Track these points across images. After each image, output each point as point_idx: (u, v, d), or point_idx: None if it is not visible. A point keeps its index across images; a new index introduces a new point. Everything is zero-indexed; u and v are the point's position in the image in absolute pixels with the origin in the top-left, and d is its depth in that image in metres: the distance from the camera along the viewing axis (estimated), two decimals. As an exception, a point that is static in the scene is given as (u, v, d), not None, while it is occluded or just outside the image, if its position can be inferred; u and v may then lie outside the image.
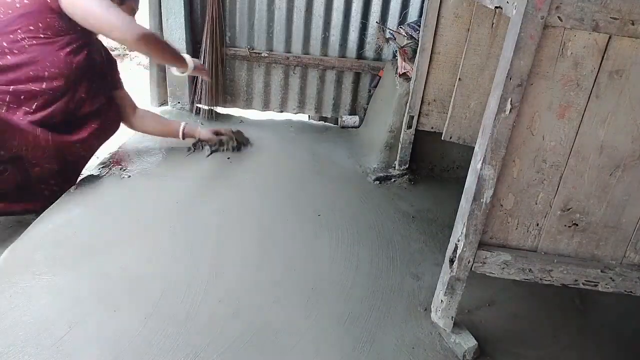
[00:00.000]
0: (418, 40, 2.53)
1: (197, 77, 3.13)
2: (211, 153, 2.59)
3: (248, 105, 3.40)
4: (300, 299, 1.68)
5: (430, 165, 2.80)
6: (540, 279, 1.44)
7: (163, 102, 3.34)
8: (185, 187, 2.28)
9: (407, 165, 2.70)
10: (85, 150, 2.17)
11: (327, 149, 2.95)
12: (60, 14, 1.90)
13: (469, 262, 1.43)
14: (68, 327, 1.44)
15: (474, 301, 1.75)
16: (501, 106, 1.22)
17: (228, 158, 2.60)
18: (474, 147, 1.36)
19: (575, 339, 1.67)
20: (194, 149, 2.62)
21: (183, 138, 2.59)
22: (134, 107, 2.50)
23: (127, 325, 1.47)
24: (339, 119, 3.42)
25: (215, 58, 3.12)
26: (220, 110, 3.31)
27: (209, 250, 1.87)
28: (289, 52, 3.23)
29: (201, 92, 3.16)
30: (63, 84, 1.96)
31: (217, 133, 2.67)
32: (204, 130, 2.65)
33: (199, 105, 3.26)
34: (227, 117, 3.29)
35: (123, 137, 2.71)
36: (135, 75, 4.52)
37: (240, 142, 2.70)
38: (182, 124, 2.60)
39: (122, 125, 2.48)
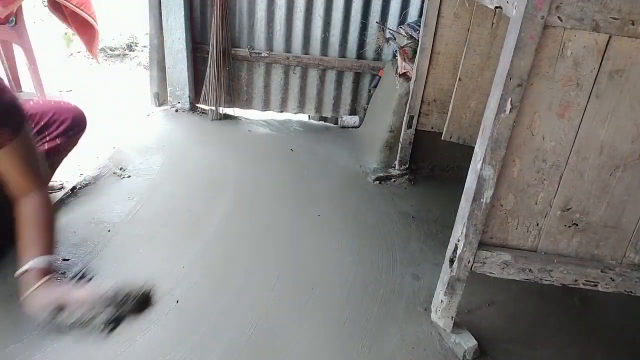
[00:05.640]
0: (418, 40, 2.53)
1: (204, 77, 3.13)
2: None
3: (248, 105, 3.40)
4: (300, 299, 1.68)
5: (430, 165, 2.80)
6: (540, 279, 1.44)
7: (163, 102, 3.34)
8: (184, 188, 2.28)
9: (407, 165, 2.70)
10: None
11: (327, 149, 2.95)
12: None
13: (469, 262, 1.43)
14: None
15: (474, 301, 1.75)
16: (501, 106, 1.22)
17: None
18: (474, 147, 1.36)
19: (575, 339, 1.67)
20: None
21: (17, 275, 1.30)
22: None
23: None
24: (339, 119, 3.42)
25: (223, 59, 3.12)
26: (228, 110, 3.30)
27: (207, 251, 1.87)
28: (289, 52, 3.23)
29: (207, 93, 3.16)
30: None
31: (60, 300, 1.23)
32: (40, 291, 1.25)
33: (200, 106, 3.26)
34: (234, 118, 3.29)
35: (123, 137, 2.72)
36: (135, 75, 4.52)
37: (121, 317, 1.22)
38: (32, 263, 1.28)
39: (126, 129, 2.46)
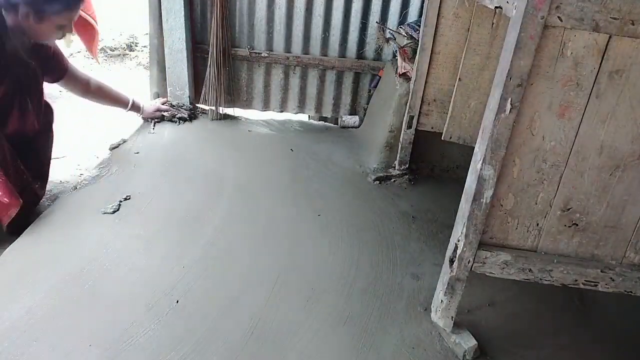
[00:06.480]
0: (418, 40, 2.53)
1: (204, 77, 3.14)
2: (154, 124, 2.87)
3: (248, 105, 3.40)
4: (300, 299, 1.68)
5: (430, 165, 2.80)
6: (540, 279, 1.44)
7: (163, 102, 3.33)
8: (184, 188, 2.28)
9: (407, 165, 2.70)
10: None
11: (327, 149, 2.95)
12: None
13: (469, 262, 1.43)
14: (63, 326, 1.44)
15: (474, 301, 1.75)
16: (501, 106, 1.23)
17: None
18: (474, 147, 1.36)
19: (575, 339, 1.67)
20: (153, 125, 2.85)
21: (128, 110, 2.75)
22: (87, 82, 2.46)
23: (125, 323, 1.47)
24: (339, 119, 3.41)
25: (223, 59, 3.12)
26: (228, 110, 3.29)
27: (206, 251, 1.87)
28: (289, 52, 3.22)
29: (207, 93, 3.16)
30: None
31: (159, 110, 2.93)
32: (147, 107, 2.87)
33: (200, 106, 3.26)
34: (234, 118, 3.29)
35: (122, 137, 2.72)
36: (135, 75, 4.52)
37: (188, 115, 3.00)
38: (131, 99, 2.74)
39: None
